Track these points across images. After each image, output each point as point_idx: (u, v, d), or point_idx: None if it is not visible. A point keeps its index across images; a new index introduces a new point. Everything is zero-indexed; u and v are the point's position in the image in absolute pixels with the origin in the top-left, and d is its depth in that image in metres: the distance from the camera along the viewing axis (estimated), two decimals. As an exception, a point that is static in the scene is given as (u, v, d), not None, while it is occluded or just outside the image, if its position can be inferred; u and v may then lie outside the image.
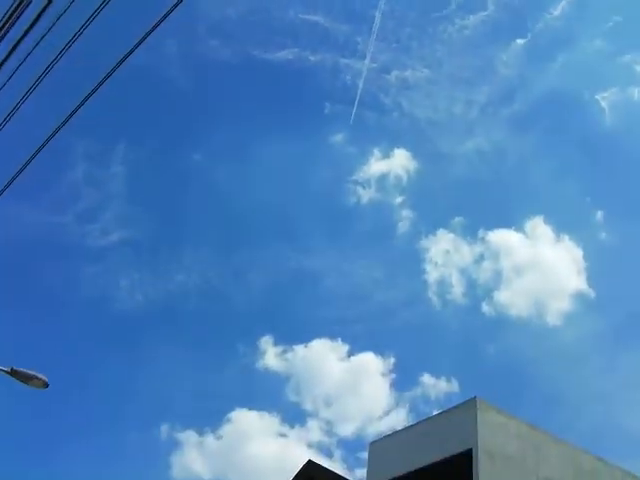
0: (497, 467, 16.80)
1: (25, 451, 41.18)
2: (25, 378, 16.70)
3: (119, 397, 45.18)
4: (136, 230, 48.30)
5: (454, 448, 17.23)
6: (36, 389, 17.00)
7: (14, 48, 8.59)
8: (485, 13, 46.28)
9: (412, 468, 17.88)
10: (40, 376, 16.90)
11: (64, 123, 8.17)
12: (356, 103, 44.26)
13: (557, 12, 45.53)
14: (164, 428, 42.26)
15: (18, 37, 8.49)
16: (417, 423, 19.33)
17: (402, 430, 19.70)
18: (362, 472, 19.84)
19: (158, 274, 47.24)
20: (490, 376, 40.91)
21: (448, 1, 48.25)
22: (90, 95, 7.98)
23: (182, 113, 48.66)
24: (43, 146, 8.66)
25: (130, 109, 46.88)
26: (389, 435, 19.89)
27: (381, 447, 19.35)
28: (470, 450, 16.77)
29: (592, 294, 41.64)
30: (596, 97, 45.60)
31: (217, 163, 49.38)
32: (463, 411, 17.66)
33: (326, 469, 22.24)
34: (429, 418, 19.18)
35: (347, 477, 22.21)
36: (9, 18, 8.47)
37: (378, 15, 43.02)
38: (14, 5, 8.37)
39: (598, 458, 19.11)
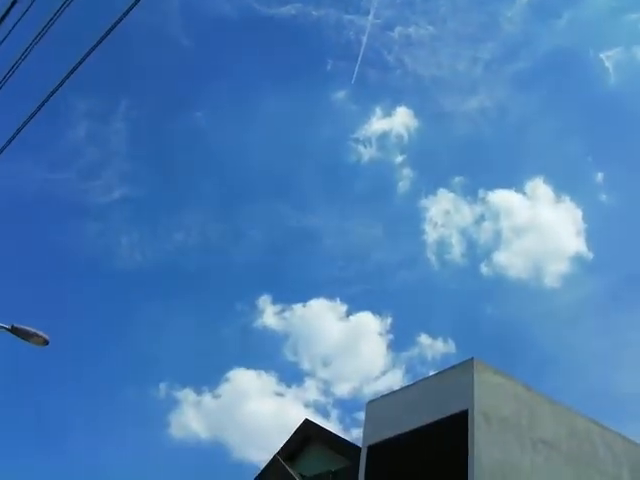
0: (493, 428, 17.00)
1: (22, 407, 41.63)
2: (26, 335, 16.86)
3: (118, 355, 45.68)
4: (137, 187, 48.41)
5: (450, 409, 17.41)
6: (37, 346, 17.17)
7: (14, 3, 8.53)
8: (491, -33, 45.46)
9: (408, 428, 18.10)
10: (40, 333, 17.07)
11: (64, 80, 8.14)
12: (359, 60, 44.00)
13: (563, -31, 44.81)
14: (162, 386, 42.77)
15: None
16: (414, 383, 19.51)
17: (399, 390, 19.90)
18: (358, 432, 20.14)
19: (158, 232, 47.45)
20: (487, 337, 41.33)
21: (454, -45, 47.33)
22: (90, 52, 7.93)
23: (184, 70, 48.47)
24: (43, 104, 8.64)
25: (132, 66, 46.70)
26: (386, 395, 20.09)
27: (378, 407, 19.57)
28: (466, 411, 16.95)
29: (590, 256, 41.87)
30: (600, 56, 45.19)
31: (218, 121, 49.23)
32: (460, 372, 17.82)
33: (322, 428, 22.52)
34: (426, 378, 19.35)
35: (343, 436, 22.51)
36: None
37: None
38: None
39: (592, 420, 19.35)
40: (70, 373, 43.78)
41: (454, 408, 17.31)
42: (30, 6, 9.18)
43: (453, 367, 18.27)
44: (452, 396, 17.60)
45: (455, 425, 17.08)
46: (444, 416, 17.43)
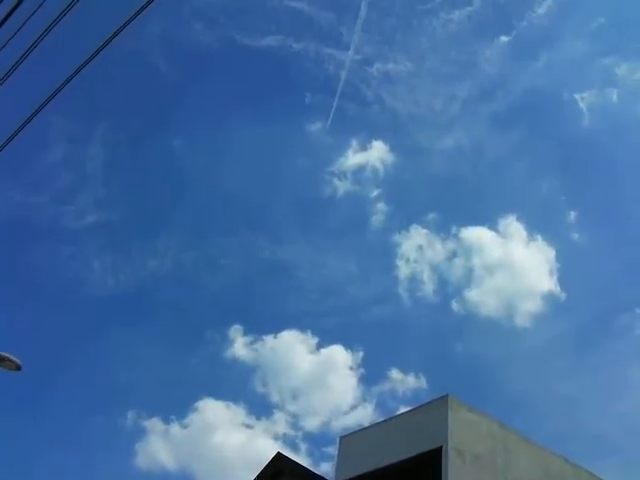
0: (467, 465, 16.87)
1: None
2: (-4, 359, 16.56)
3: (86, 381, 45.02)
4: (112, 213, 48.17)
5: (424, 445, 17.27)
6: (8, 371, 16.86)
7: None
8: (470, 8, 46.51)
9: (382, 464, 17.92)
10: (13, 358, 16.77)
11: (43, 105, 8.07)
12: (337, 94, 44.27)
13: (542, 11, 45.94)
14: (130, 415, 42.18)
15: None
16: (388, 419, 19.38)
17: (373, 425, 19.75)
18: (327, 466, 19.88)
19: (131, 259, 47.15)
20: (458, 374, 41.20)
21: (434, -6, 48.17)
22: (71, 77, 7.87)
23: (163, 97, 48.50)
24: (21, 128, 8.56)
25: (112, 91, 46.55)
26: (359, 430, 19.92)
27: (351, 442, 19.39)
28: (440, 448, 16.82)
29: (562, 295, 42.07)
30: (575, 97, 45.97)
31: (195, 148, 49.23)
32: (434, 408, 17.71)
33: (294, 462, 22.25)
34: (400, 414, 19.24)
35: (314, 471, 22.25)
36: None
37: (364, 5, 43.00)
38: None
39: (565, 460, 19.27)
40: (37, 399, 43.08)
41: (428, 444, 17.17)
42: (16, 33, 9.13)
43: (428, 403, 18.17)
44: (426, 432, 17.48)
45: (429, 462, 16.94)
46: (418, 452, 17.29)
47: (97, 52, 7.72)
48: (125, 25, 7.11)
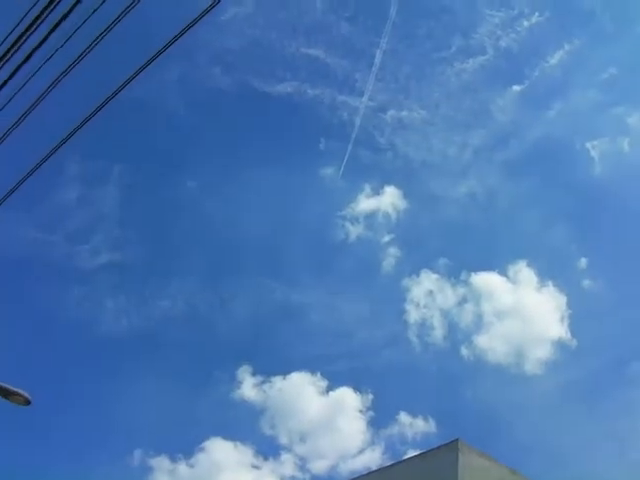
0: (476, 511, 16.69)
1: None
2: (6, 393, 16.58)
3: (95, 418, 44.81)
4: (125, 254, 48.29)
5: (434, 490, 17.12)
6: (17, 405, 16.88)
7: (14, 72, 8.69)
8: (484, 57, 46.85)
9: (391, 508, 17.77)
10: (22, 392, 16.78)
11: (60, 145, 8.24)
12: (352, 141, 44.67)
13: (554, 61, 46.24)
14: (137, 453, 41.88)
15: (19, 62, 8.60)
16: (399, 462, 19.22)
17: (383, 469, 19.59)
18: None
19: (144, 299, 47.19)
20: (467, 419, 40.65)
21: (448, 44, 48.72)
22: (88, 119, 8.05)
23: (180, 140, 48.89)
24: (38, 166, 8.72)
25: (129, 133, 47.08)
26: (369, 473, 19.76)
27: (360, 485, 19.25)
28: (450, 493, 16.67)
29: (574, 342, 41.66)
30: (587, 146, 46.18)
31: (210, 191, 49.56)
32: (445, 452, 17.57)
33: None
34: (410, 458, 19.08)
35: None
36: (11, 47, 8.60)
37: (379, 53, 43.54)
38: (19, 34, 8.50)
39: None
40: (46, 434, 42.92)
41: (438, 489, 17.03)
42: (36, 72, 9.34)
43: (437, 447, 18.03)
44: (436, 476, 17.32)
45: (439, 507, 16.78)
46: (428, 497, 17.13)
47: (115, 94, 7.88)
48: (142, 68, 7.28)
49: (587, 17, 46.84)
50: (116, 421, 44.12)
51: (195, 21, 7.40)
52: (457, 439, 17.42)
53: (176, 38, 7.04)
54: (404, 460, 19.15)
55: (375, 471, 19.76)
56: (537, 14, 43.92)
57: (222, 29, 43.35)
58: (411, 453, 19.93)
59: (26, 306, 45.97)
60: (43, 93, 9.06)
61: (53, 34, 8.60)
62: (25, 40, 9.02)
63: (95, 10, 7.63)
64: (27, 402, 16.80)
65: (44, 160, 9.01)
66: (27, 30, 8.90)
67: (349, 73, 46.43)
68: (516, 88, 45.97)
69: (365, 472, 20.03)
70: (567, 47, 44.82)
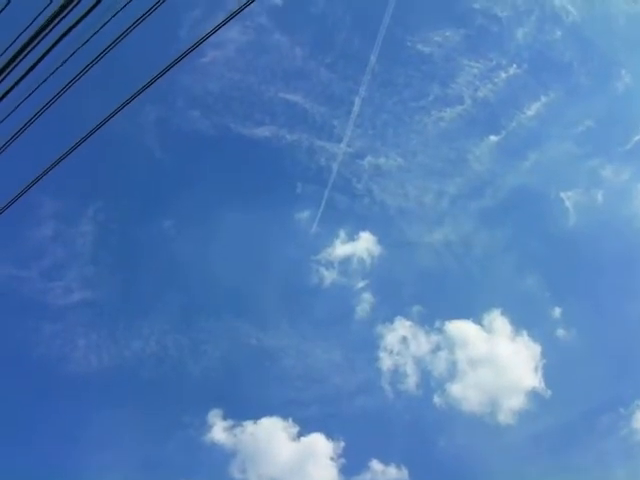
0: None
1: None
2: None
3: (62, 462, 43.83)
4: (98, 292, 47.73)
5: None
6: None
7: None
8: (462, 107, 47.47)
9: None
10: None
11: (34, 182, 8.17)
12: (329, 186, 44.93)
13: (531, 112, 46.92)
14: (106, 499, 40.93)
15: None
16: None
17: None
18: None
19: (115, 338, 46.54)
20: (440, 468, 40.33)
21: (427, 92, 49.32)
22: (64, 157, 7.99)
23: (156, 180, 48.76)
24: (11, 203, 8.62)
25: (105, 172, 46.93)
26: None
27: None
28: None
29: (547, 392, 41.56)
30: (561, 196, 46.83)
31: (185, 232, 49.33)
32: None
33: None
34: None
35: None
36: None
37: (357, 100, 44.02)
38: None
39: None
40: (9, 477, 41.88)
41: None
42: (14, 110, 9.29)
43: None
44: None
45: None
46: None
47: (91, 133, 7.83)
48: (118, 110, 7.25)
49: (564, 70, 47.75)
50: (84, 463, 43.16)
51: (176, 62, 7.42)
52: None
53: (155, 79, 7.03)
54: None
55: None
56: (515, 66, 44.77)
57: (202, 72, 43.65)
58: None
59: (-3, 340, 45.24)
60: (18, 131, 8.99)
61: (30, 73, 8.58)
62: (4, 78, 8.99)
63: (72, 54, 7.62)
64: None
65: (18, 197, 8.92)
66: (4, 68, 8.88)
67: (327, 119, 46.80)
68: (493, 138, 46.54)
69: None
70: (544, 99, 45.65)
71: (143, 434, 43.63)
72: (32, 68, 8.33)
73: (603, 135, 46.06)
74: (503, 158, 48.65)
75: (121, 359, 45.82)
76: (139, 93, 7.16)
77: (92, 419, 43.87)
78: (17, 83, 8.81)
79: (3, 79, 9.02)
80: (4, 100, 9.15)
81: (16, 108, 9.14)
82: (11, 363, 45.89)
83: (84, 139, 7.90)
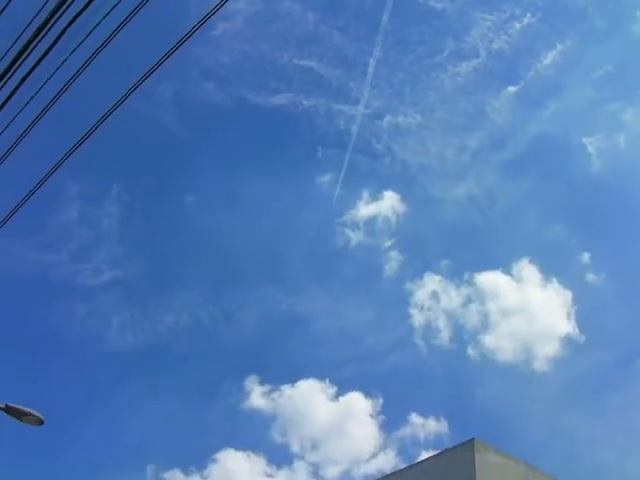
0: (495, 509, 16.63)
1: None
2: (19, 414, 16.59)
3: (106, 435, 44.88)
4: (128, 270, 48.52)
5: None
6: (30, 426, 16.88)
7: (12, 93, 8.70)
8: (477, 61, 46.99)
9: (409, 510, 17.70)
10: (34, 413, 16.78)
11: (58, 165, 8.24)
12: (349, 149, 44.83)
13: (548, 61, 46.35)
14: (150, 468, 41.93)
15: (16, 83, 8.62)
16: (415, 464, 19.17)
17: (400, 470, 19.53)
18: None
19: (148, 314, 47.39)
20: (478, 419, 40.62)
21: (441, 48, 48.83)
22: (84, 139, 8.04)
23: (176, 156, 49.03)
24: (37, 188, 8.72)
25: (125, 151, 47.26)
26: (387, 476, 19.70)
27: (378, 488, 19.18)
28: (468, 492, 16.60)
29: (581, 338, 41.56)
30: (583, 142, 46.28)
31: (209, 205, 49.72)
32: (461, 452, 17.51)
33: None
34: (427, 458, 19.02)
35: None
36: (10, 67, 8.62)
37: (372, 61, 43.65)
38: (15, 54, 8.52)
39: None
40: (57, 453, 43.04)
41: (456, 489, 16.96)
42: (34, 96, 9.35)
43: (454, 447, 17.98)
44: (454, 476, 17.26)
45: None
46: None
47: (109, 113, 7.88)
48: (135, 87, 7.28)
49: (579, 16, 47.04)
50: (127, 437, 44.17)
51: (187, 35, 7.39)
52: (473, 438, 17.35)
53: (168, 54, 7.03)
54: (420, 461, 19.11)
55: (392, 473, 19.70)
56: (529, 15, 44.08)
57: (213, 45, 43.55)
58: (424, 454, 19.88)
59: (33, 326, 46.20)
60: (39, 115, 9.05)
61: (47, 56, 8.61)
62: (20, 63, 9.04)
63: (88, 34, 7.64)
64: (40, 422, 16.80)
65: (42, 181, 9.02)
66: (21, 53, 8.92)
67: (343, 82, 46.57)
68: (511, 89, 46.04)
69: (380, 476, 19.94)
70: (560, 47, 44.93)
71: (183, 405, 44.49)
72: (49, 50, 8.37)
73: (622, 79, 45.25)
74: (522, 108, 48.00)
75: (155, 334, 46.60)
76: (153, 70, 7.18)
77: (132, 395, 44.77)
78: (34, 67, 8.86)
79: (20, 64, 9.08)
80: (23, 85, 9.23)
81: (37, 92, 9.19)
82: (48, 346, 46.96)
83: (102, 120, 7.95)
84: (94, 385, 45.04)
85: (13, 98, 8.89)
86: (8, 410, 16.38)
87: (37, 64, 8.81)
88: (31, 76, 8.68)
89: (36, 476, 41.07)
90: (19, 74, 9.09)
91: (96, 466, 42.96)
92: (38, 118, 8.60)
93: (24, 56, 8.81)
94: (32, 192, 9.19)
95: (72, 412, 44.15)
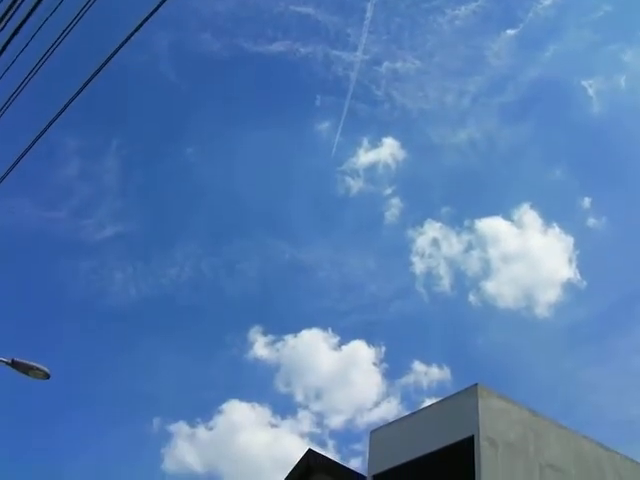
0: (499, 454, 16.79)
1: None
2: (26, 369, 16.73)
3: (113, 390, 45.47)
4: (129, 225, 48.84)
5: (456, 435, 17.21)
6: (37, 380, 17.02)
7: (5, 46, 8.53)
8: (476, 4, 46.71)
9: (414, 456, 17.87)
10: (41, 367, 16.94)
11: (54, 119, 8.11)
12: (348, 96, 44.49)
13: (547, 2, 46.09)
14: (156, 421, 42.56)
15: (8, 36, 8.44)
16: (418, 411, 19.32)
17: (403, 418, 19.70)
18: (355, 462, 19.81)
19: (151, 268, 47.69)
20: (481, 365, 41.22)
21: (439, -8, 48.30)
22: (80, 91, 7.90)
23: (174, 107, 48.85)
24: (34, 143, 8.60)
25: (123, 104, 47.00)
26: (390, 423, 19.88)
27: (382, 436, 19.34)
28: (472, 437, 16.74)
29: (583, 283, 41.78)
30: (583, 84, 45.87)
31: (209, 156, 49.68)
32: (464, 397, 17.63)
33: (327, 458, 22.30)
34: (430, 405, 19.17)
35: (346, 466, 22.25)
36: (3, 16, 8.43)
37: (370, 7, 43.06)
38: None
39: (599, 444, 19.11)
40: (64, 408, 43.62)
41: (460, 435, 17.11)
42: (24, 48, 9.17)
43: (457, 393, 18.10)
44: (457, 423, 17.41)
45: (461, 452, 16.87)
46: (450, 443, 17.22)
47: (105, 64, 7.72)
48: (129, 37, 7.11)
49: (578, -45, 46.20)
50: (132, 391, 44.83)
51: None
52: (476, 384, 17.46)
53: (163, 2, 6.85)
54: (424, 408, 19.27)
55: (396, 421, 19.88)
56: (527, -44, 43.26)
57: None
58: (428, 402, 20.01)
59: (36, 283, 46.46)
60: (33, 69, 8.89)
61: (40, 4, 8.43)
62: (13, 12, 8.85)
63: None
64: (47, 376, 16.96)
65: (39, 136, 8.89)
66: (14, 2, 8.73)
67: (341, 28, 46.18)
68: (510, 32, 45.70)
69: (383, 423, 20.13)
70: (559, -13, 44.23)
71: (188, 357, 45.10)
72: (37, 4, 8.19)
73: (622, 19, 45.01)
74: (522, 51, 47.77)
75: (159, 288, 46.99)
76: (147, 18, 7.01)
77: (136, 349, 45.33)
78: (28, 16, 8.68)
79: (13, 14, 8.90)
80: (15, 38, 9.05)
81: (26, 45, 9.03)
82: (52, 303, 47.22)
83: (97, 71, 7.80)
84: (98, 340, 45.55)
85: (5, 51, 8.72)
86: (15, 365, 16.52)
87: (30, 13, 8.63)
88: (23, 27, 8.50)
89: (41, 432, 41.71)
90: (10, 27, 8.91)
91: (103, 420, 43.66)
92: (33, 71, 8.45)
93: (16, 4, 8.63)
94: (29, 147, 9.07)
95: (77, 367, 44.67)
